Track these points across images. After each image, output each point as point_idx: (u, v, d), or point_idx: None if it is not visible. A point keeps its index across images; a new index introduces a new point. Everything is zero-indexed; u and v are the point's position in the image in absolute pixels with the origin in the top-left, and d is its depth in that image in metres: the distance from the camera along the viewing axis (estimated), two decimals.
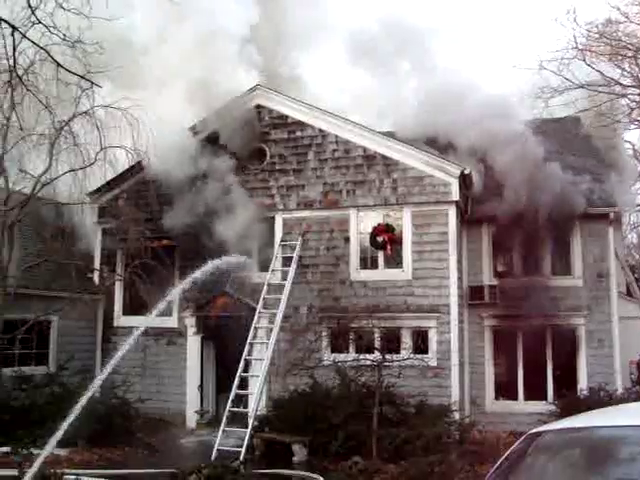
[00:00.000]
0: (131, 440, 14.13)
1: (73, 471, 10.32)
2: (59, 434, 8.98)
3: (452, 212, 15.59)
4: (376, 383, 12.73)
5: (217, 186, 15.89)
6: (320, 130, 16.86)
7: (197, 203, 15.78)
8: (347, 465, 10.04)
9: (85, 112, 13.73)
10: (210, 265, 13.92)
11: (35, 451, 11.49)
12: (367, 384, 13.46)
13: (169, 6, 10.38)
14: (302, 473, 11.68)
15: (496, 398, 16.25)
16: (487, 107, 16.49)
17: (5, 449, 12.65)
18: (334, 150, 16.70)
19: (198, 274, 13.46)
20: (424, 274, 15.57)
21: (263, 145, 17.25)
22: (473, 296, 16.37)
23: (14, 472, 10.24)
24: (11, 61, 8.02)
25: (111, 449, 13.37)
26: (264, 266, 16.33)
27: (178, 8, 11.53)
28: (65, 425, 9.01)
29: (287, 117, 17.20)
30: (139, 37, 15.86)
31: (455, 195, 15.51)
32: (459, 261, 15.89)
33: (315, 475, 11.25)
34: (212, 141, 16.53)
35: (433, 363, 14.81)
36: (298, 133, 17.08)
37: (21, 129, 11.83)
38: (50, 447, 9.17)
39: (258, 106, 17.32)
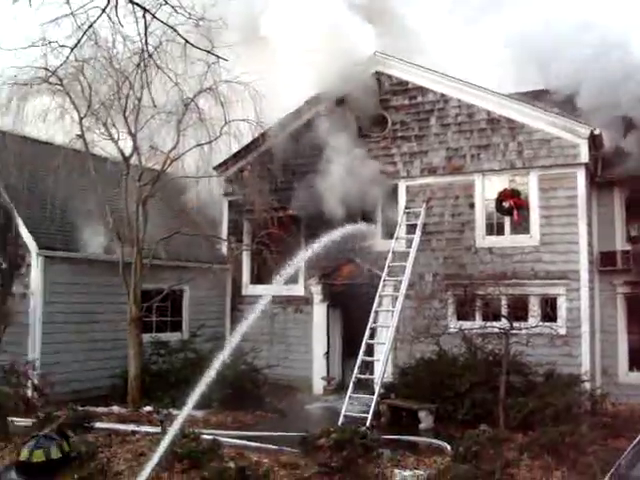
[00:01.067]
0: (260, 404, 14.64)
1: (210, 431, 10.80)
2: (196, 397, 9.41)
3: (581, 175, 14.91)
4: (503, 351, 12.49)
5: (339, 155, 15.97)
6: (442, 95, 16.54)
7: (320, 172, 15.94)
8: (474, 433, 9.94)
9: (209, 88, 14.11)
10: (336, 233, 14.00)
11: (173, 411, 12.15)
12: (494, 352, 13.26)
13: None
14: (429, 440, 11.68)
15: (630, 369, 15.50)
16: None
17: (148, 408, 13.49)
18: (457, 114, 16.35)
19: (324, 242, 13.57)
20: (552, 240, 15.04)
21: (384, 112, 17.15)
22: (604, 262, 15.59)
23: (157, 429, 10.87)
24: (142, 44, 8.31)
25: (242, 412, 13.88)
26: (388, 234, 16.33)
27: None
28: (201, 388, 9.44)
29: (407, 83, 16.99)
30: (257, 11, 16.08)
31: (584, 157, 14.82)
32: (589, 225, 15.21)
33: (442, 442, 11.24)
34: (333, 109, 16.58)
35: (562, 331, 14.31)
36: (419, 99, 16.84)
37: (154, 106, 12.30)
38: (188, 408, 9.65)
39: (377, 73, 17.21)
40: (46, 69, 13.42)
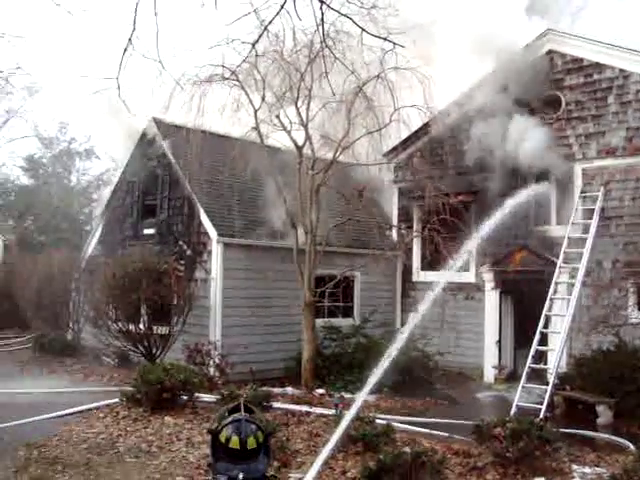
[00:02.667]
0: (430, 391, 14.65)
1: (386, 416, 10.96)
2: (371, 382, 9.60)
3: None
4: None
5: (511, 139, 15.54)
6: (621, 70, 15.54)
7: (491, 157, 15.60)
8: None
9: (377, 75, 14.18)
10: (513, 201, 13.52)
11: (345, 395, 12.45)
12: None
13: None
14: (610, 437, 11.13)
15: None
16: None
17: (321, 391, 13.93)
18: (637, 91, 15.33)
19: (502, 213, 13.17)
20: None
21: (557, 92, 16.43)
22: None
23: (330, 411, 11.19)
24: (316, 37, 8.57)
25: (412, 399, 13.94)
26: (564, 219, 15.70)
27: None
28: (375, 374, 9.61)
29: (582, 60, 16.12)
30: None
31: None
32: None
33: (623, 440, 10.67)
34: (504, 92, 16.14)
35: None
36: (595, 76, 15.95)
37: (333, 94, 12.56)
38: (364, 393, 9.87)
39: (549, 52, 16.48)
40: (224, 66, 14.16)
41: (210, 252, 15.70)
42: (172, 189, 17.12)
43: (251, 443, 3.56)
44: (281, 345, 15.74)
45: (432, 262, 17.08)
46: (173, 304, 15.25)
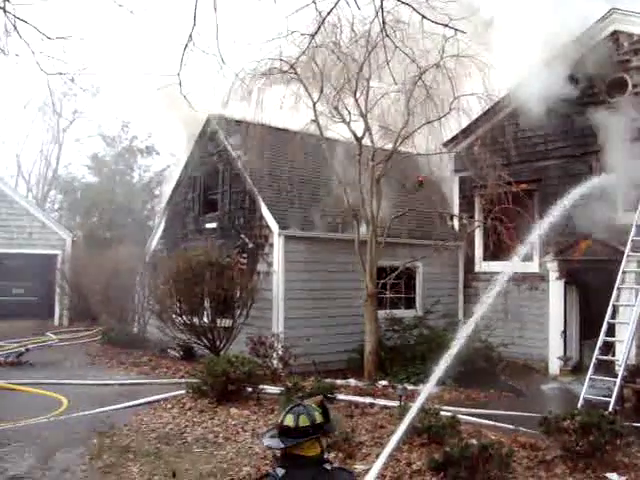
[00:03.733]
0: (494, 383, 14.44)
1: (450, 408, 10.86)
2: (436, 374, 9.50)
3: None
4: None
5: (577, 125, 15.17)
6: None
7: (555, 144, 15.27)
8: None
9: (436, 64, 13.99)
10: (576, 192, 13.20)
11: (409, 386, 12.39)
12: None
13: None
14: None
15: None
16: None
17: (384, 382, 13.90)
18: None
19: (564, 205, 12.84)
20: None
21: (624, 74, 15.92)
22: None
23: (394, 403, 11.15)
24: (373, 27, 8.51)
25: (475, 390, 13.79)
26: (631, 205, 15.23)
27: None
28: (439, 366, 9.51)
29: None
30: None
31: None
32: None
33: None
34: (569, 77, 15.76)
35: None
36: None
37: (395, 83, 12.50)
38: (431, 385, 9.78)
39: (614, 32, 15.97)
40: (282, 60, 14.20)
41: (272, 245, 15.82)
42: (233, 183, 17.31)
43: (303, 420, 3.69)
44: (343, 337, 15.76)
45: (495, 252, 16.81)
46: (236, 297, 15.43)
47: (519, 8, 15.74)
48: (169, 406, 11.55)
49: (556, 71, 15.76)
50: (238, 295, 15.42)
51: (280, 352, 14.29)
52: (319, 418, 3.74)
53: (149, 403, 11.72)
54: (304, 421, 3.69)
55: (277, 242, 15.61)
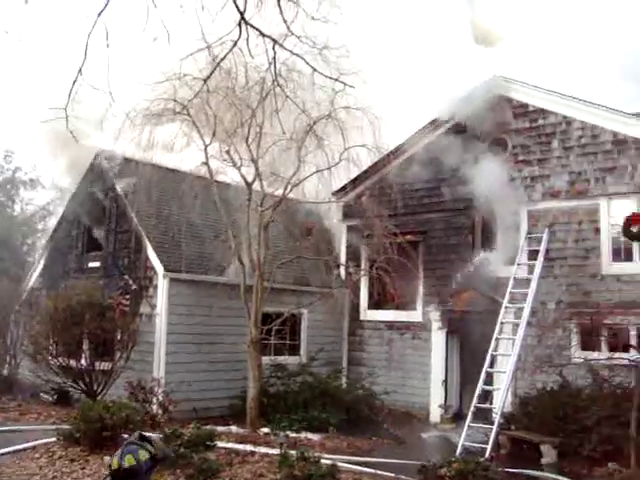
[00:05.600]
0: (376, 430, 14.57)
1: (331, 456, 10.81)
2: (317, 421, 9.47)
3: None
4: (633, 384, 11.86)
5: (460, 179, 15.82)
6: (564, 116, 16.04)
7: (439, 197, 15.82)
8: (604, 471, 9.43)
9: (328, 115, 14.30)
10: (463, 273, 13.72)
11: (291, 434, 12.28)
12: (622, 385, 12.62)
13: None
14: (553, 476, 11.17)
15: None
16: None
17: (266, 430, 13.70)
18: (580, 137, 15.80)
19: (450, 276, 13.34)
20: None
21: (504, 136, 16.85)
22: None
23: (275, 451, 10.99)
24: (268, 75, 8.67)
25: (357, 438, 13.82)
26: (509, 259, 15.96)
27: None
28: (321, 413, 9.49)
29: (528, 105, 16.61)
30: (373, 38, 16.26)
31: None
32: None
33: (567, 479, 10.75)
34: (453, 135, 16.49)
35: None
36: (540, 121, 16.42)
37: (283, 132, 12.64)
38: (306, 432, 9.74)
39: (498, 96, 16.92)
40: (175, 100, 14.10)
41: (156, 287, 15.46)
42: (119, 222, 16.89)
43: (129, 460, 3.62)
44: (226, 383, 15.51)
45: (379, 301, 17.14)
46: (117, 339, 14.92)
47: (411, 63, 16.39)
48: (37, 455, 10.83)
49: (440, 128, 16.50)
50: (119, 337, 14.92)
51: (160, 397, 13.86)
52: (143, 455, 3.65)
53: (14, 452, 10.95)
54: (129, 460, 3.61)
55: (161, 284, 15.28)
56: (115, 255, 16.84)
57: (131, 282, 16.09)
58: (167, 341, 15.00)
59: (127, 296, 15.91)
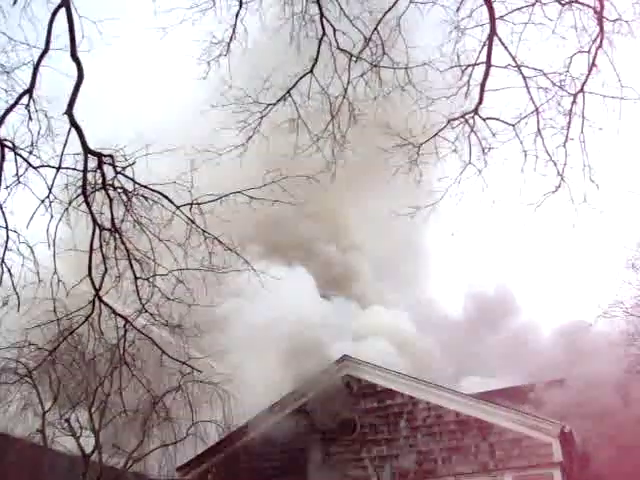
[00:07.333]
0: None
1: None
2: None
3: (557, 476, 14.47)
4: None
5: (309, 459, 15.57)
6: (410, 397, 16.63)
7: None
8: None
9: (178, 387, 14.03)
10: None
11: None
12: None
13: None
14: None
15: None
16: None
17: None
18: (426, 417, 16.30)
19: None
20: None
21: (353, 415, 17.02)
22: None
23: None
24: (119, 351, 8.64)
25: None
26: None
27: None
28: None
29: (376, 385, 17.11)
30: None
31: (557, 456, 14.50)
32: None
33: None
34: (302, 412, 16.51)
35: None
36: (388, 401, 16.87)
37: (125, 410, 12.23)
38: None
39: (346, 376, 17.37)
40: (18, 361, 13.44)
41: None
42: None
43: None
44: None
45: None
46: None
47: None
48: None
49: (292, 407, 16.58)
50: None
51: None
52: None
53: None
54: None
55: None
56: None
57: None
58: None
59: None
